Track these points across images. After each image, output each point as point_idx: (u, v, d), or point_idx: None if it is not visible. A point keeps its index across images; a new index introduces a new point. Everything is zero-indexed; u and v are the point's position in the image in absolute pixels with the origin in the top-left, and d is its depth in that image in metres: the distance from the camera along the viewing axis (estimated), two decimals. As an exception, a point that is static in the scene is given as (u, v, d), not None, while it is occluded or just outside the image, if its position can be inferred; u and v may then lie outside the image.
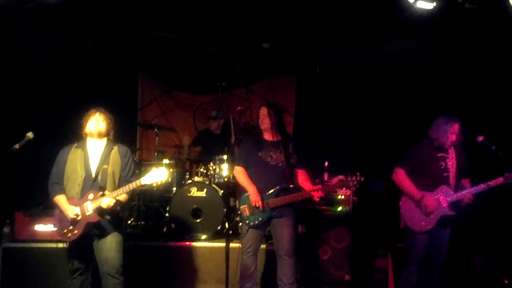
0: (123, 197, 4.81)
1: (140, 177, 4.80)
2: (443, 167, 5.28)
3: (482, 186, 5.17)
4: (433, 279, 5.38)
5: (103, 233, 4.83)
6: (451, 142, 5.25)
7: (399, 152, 5.59)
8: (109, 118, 4.96)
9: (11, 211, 6.25)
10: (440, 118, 5.31)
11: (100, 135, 4.91)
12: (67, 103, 7.66)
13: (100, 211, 4.72)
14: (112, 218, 4.84)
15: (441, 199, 5.20)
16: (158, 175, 4.75)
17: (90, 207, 4.70)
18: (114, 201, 4.70)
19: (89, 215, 4.71)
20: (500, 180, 5.12)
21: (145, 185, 4.83)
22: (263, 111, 5.49)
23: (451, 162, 5.29)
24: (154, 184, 4.80)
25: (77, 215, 4.72)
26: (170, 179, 7.58)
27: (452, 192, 5.22)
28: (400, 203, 5.43)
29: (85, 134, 4.94)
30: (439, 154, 5.30)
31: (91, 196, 4.72)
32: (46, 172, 5.02)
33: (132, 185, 4.73)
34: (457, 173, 5.30)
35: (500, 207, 6.41)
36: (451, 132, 5.21)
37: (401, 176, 5.37)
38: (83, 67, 8.29)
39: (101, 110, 4.95)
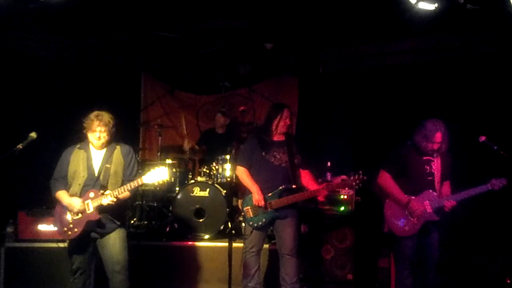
0: (124, 195, 4.82)
1: (141, 176, 4.83)
2: (428, 170, 5.22)
3: (467, 193, 5.10)
4: (427, 280, 5.32)
5: (105, 231, 4.85)
6: (431, 150, 5.17)
7: (383, 154, 5.55)
8: (110, 124, 4.88)
9: (14, 210, 6.26)
10: (425, 123, 5.17)
11: (101, 148, 4.94)
12: (70, 103, 7.66)
13: (101, 209, 4.75)
14: (114, 216, 4.86)
15: (426, 204, 5.14)
16: (159, 174, 4.78)
17: (91, 205, 4.74)
18: (115, 199, 4.72)
19: (90, 213, 4.74)
20: (486, 187, 5.05)
21: (147, 184, 4.84)
22: (289, 113, 5.49)
23: (436, 166, 5.23)
24: (156, 183, 4.81)
25: (80, 210, 4.74)
26: (173, 179, 7.61)
27: (437, 197, 5.17)
28: (384, 207, 5.38)
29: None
30: (425, 158, 5.23)
31: (92, 194, 4.75)
32: (49, 172, 5.05)
33: (134, 184, 4.76)
34: (441, 177, 5.24)
35: (501, 206, 6.41)
36: (431, 141, 5.10)
37: (387, 180, 5.31)
38: (86, 67, 8.29)
39: (101, 117, 4.84)
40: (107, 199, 4.70)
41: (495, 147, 5.20)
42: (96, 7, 6.56)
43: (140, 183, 4.79)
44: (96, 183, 4.84)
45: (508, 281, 5.95)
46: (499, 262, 6.11)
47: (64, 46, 8.10)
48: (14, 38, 7.53)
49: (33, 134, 5.15)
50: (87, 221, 4.76)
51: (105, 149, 4.96)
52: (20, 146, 5.06)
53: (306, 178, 5.49)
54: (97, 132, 4.84)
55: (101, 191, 4.77)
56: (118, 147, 5.01)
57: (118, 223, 4.90)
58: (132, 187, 4.77)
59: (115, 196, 4.73)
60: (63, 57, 8.10)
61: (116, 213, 4.89)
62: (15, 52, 7.56)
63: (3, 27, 7.00)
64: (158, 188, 7.52)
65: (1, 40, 7.31)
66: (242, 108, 8.47)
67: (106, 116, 4.87)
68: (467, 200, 5.14)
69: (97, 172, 4.88)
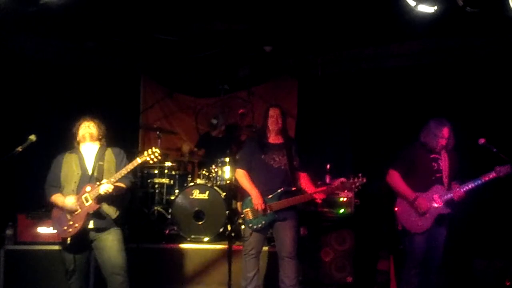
0: (121, 183, 4.85)
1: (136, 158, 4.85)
2: (435, 167, 5.34)
3: (475, 182, 5.20)
4: (430, 280, 5.39)
5: (103, 226, 4.84)
6: (441, 146, 5.31)
7: (392, 154, 5.62)
8: (98, 124, 5.08)
9: (14, 213, 6.24)
10: (430, 122, 5.37)
11: (92, 138, 5.01)
12: (70, 106, 7.64)
13: (99, 199, 4.76)
14: (113, 205, 4.86)
15: (435, 198, 5.25)
16: (152, 152, 4.80)
17: (89, 198, 4.74)
18: (112, 186, 4.72)
19: (88, 206, 4.74)
20: (492, 174, 5.15)
21: (143, 162, 4.83)
22: (276, 111, 5.49)
23: (443, 163, 5.36)
24: (151, 162, 4.81)
25: (76, 207, 4.74)
26: (172, 182, 7.62)
27: (446, 191, 5.27)
28: (396, 206, 5.48)
29: (78, 142, 5.03)
30: (432, 156, 5.37)
31: (88, 188, 4.77)
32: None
33: (130, 166, 4.78)
34: (449, 173, 5.35)
35: (500, 208, 6.42)
36: (440, 137, 5.27)
37: (395, 178, 5.43)
38: (85, 70, 8.30)
39: (90, 117, 5.07)
40: (105, 186, 4.70)
41: (495, 150, 5.25)
42: (96, 9, 6.57)
43: (136, 165, 4.78)
44: (91, 179, 4.86)
45: (508, 284, 5.96)
46: (498, 264, 6.12)
47: (63, 49, 8.10)
48: (14, 41, 7.52)
49: (33, 137, 5.15)
50: (86, 214, 4.76)
51: (96, 150, 5.01)
52: (19, 148, 5.07)
53: (304, 181, 5.50)
54: (86, 125, 5.01)
55: (97, 183, 4.78)
56: (109, 149, 5.08)
57: (115, 219, 4.88)
58: (129, 170, 4.77)
59: (112, 182, 4.73)
60: (63, 60, 8.11)
61: (114, 204, 4.88)
62: (14, 54, 7.55)
63: (2, 29, 6.99)
64: (157, 191, 7.53)
65: (0, 43, 7.31)
66: (241, 111, 8.47)
67: (95, 118, 5.12)
68: (475, 190, 5.23)
69: (90, 170, 4.92)
